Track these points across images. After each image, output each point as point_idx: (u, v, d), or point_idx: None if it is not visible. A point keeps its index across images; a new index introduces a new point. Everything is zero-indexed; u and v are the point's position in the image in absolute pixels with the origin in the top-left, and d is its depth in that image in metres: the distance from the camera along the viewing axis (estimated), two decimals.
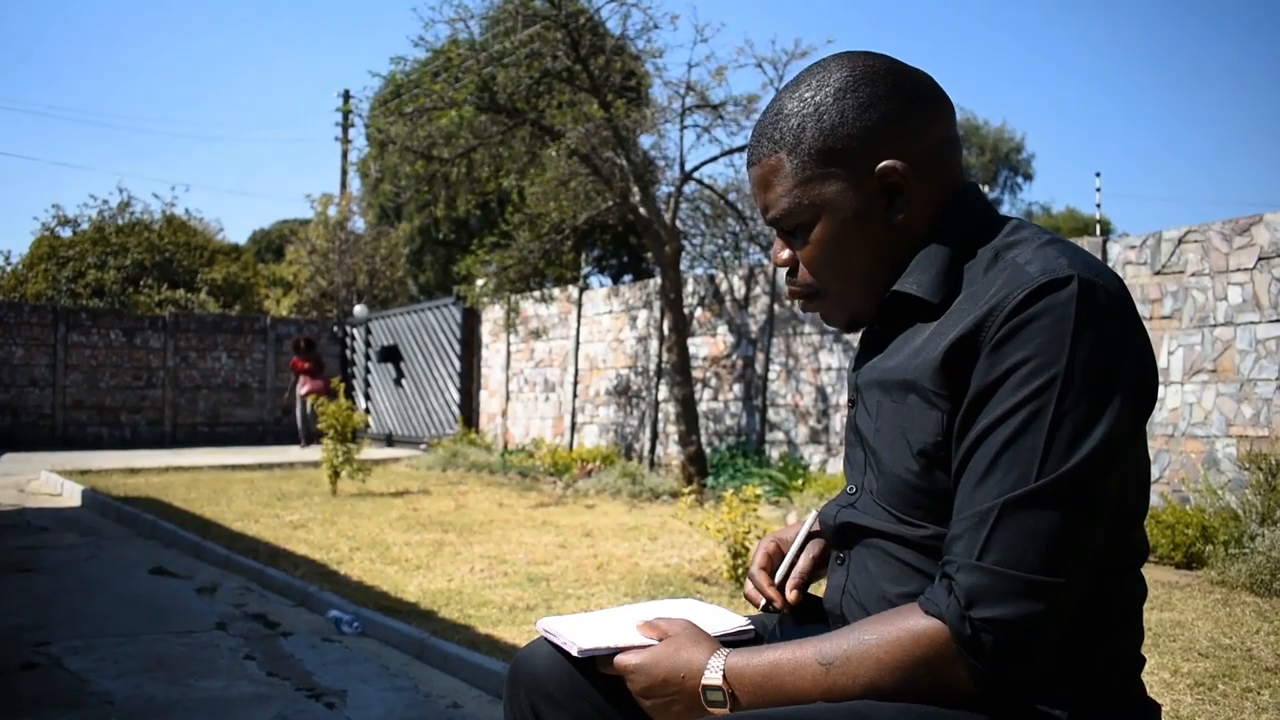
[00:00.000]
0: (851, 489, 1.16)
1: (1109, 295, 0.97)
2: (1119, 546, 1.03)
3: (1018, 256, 1.02)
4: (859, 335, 1.24)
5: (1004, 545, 0.93)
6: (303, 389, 13.63)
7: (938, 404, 1.01)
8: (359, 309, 16.91)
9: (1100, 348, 0.95)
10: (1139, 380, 0.99)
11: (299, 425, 14.05)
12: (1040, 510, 0.93)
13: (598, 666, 1.17)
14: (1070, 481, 0.93)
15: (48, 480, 9.41)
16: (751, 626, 1.24)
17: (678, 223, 9.38)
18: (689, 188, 9.49)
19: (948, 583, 0.95)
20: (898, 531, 1.06)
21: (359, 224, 21.94)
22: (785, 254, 1.18)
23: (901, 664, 0.96)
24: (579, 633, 1.18)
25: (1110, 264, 6.44)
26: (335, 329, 17.13)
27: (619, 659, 1.12)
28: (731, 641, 1.20)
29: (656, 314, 10.45)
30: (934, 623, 0.95)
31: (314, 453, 12.49)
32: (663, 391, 10.36)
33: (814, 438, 8.80)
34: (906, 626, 0.97)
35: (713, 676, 1.04)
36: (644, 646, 1.12)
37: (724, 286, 9.92)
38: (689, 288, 10.11)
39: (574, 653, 1.15)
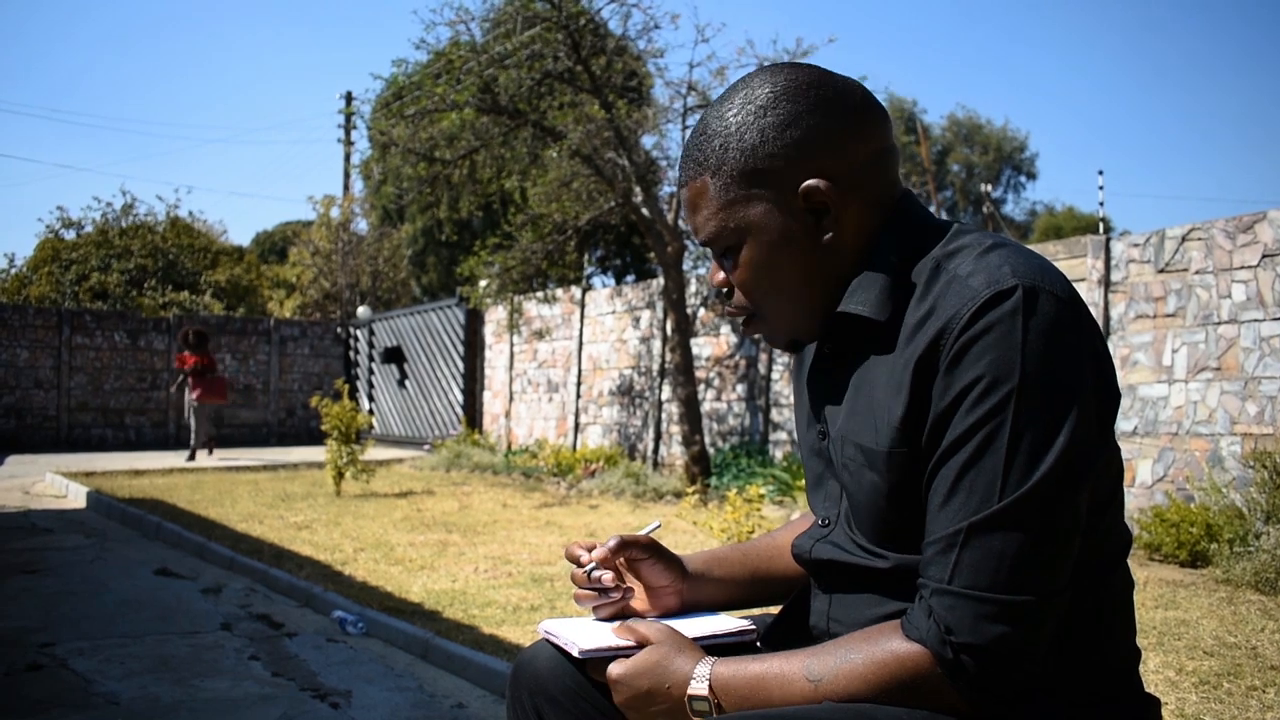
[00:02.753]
0: (824, 520, 1.16)
1: (1056, 300, 0.95)
2: (1100, 543, 1.03)
3: (959, 268, 1.00)
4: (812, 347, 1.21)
5: (973, 569, 0.93)
6: (193, 394, 11.50)
7: (906, 447, 1.01)
8: (362, 310, 16.92)
9: (1052, 356, 0.93)
10: (1097, 381, 0.98)
11: (191, 434, 11.96)
12: (1006, 532, 0.92)
13: (597, 670, 1.16)
14: (1033, 500, 0.92)
15: (52, 482, 9.44)
16: (754, 627, 1.24)
17: (680, 222, 9.38)
18: None
19: (926, 606, 0.95)
20: (870, 564, 1.07)
21: (362, 225, 21.98)
22: (720, 276, 1.16)
23: (888, 685, 0.96)
24: (580, 634, 1.18)
25: (1114, 262, 6.43)
26: (339, 330, 17.16)
27: (608, 670, 1.12)
28: (733, 643, 1.20)
29: (659, 314, 10.45)
30: (917, 648, 0.95)
31: (213, 460, 11.42)
32: (666, 392, 10.36)
33: None
34: (891, 649, 0.97)
35: (699, 686, 1.03)
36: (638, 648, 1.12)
37: None
38: (692, 288, 10.12)
39: (575, 653, 1.15)
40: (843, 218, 1.07)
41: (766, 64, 1.13)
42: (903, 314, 1.03)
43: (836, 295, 1.10)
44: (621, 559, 1.28)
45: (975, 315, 0.94)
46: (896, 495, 1.02)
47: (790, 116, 1.06)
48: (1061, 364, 0.94)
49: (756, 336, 1.22)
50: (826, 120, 1.06)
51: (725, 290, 1.17)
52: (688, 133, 9.35)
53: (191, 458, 11.73)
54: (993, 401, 0.93)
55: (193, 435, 11.93)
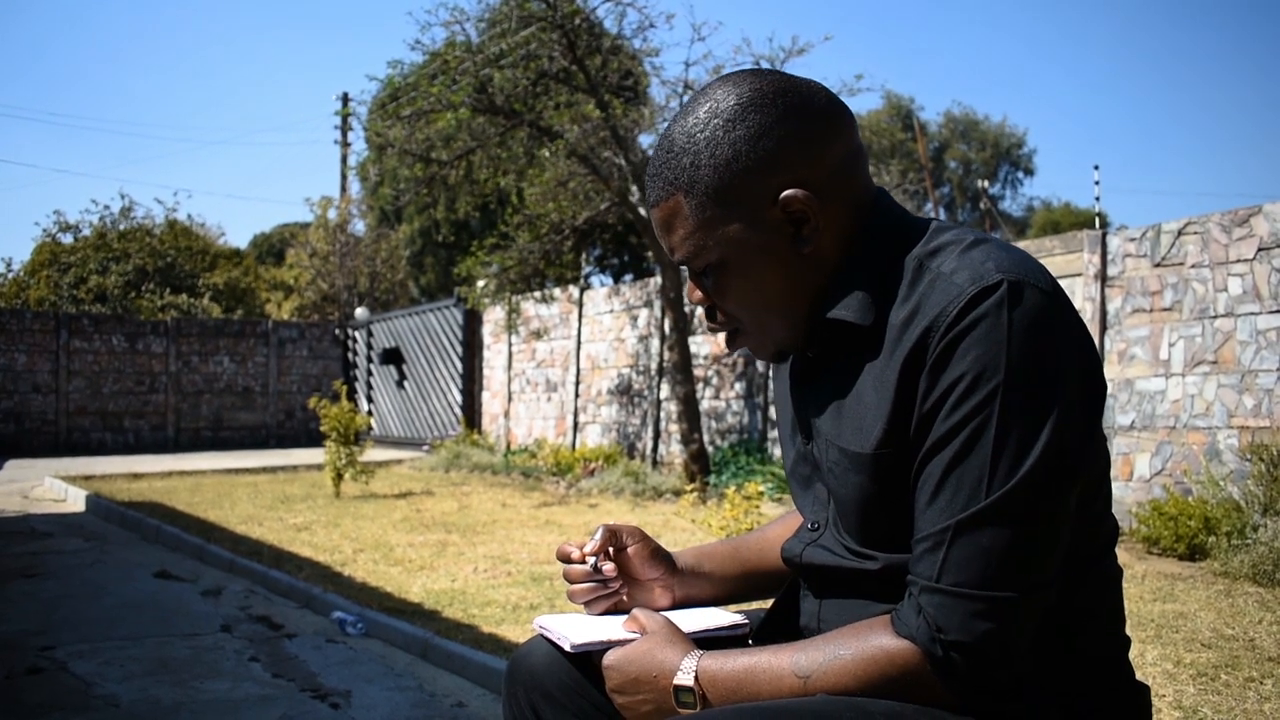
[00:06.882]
0: (813, 524, 1.16)
1: (1040, 293, 0.95)
2: (1087, 534, 1.03)
3: (943, 266, 1.00)
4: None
5: (961, 566, 0.93)
6: None
7: (890, 448, 1.00)
8: (360, 311, 16.93)
9: (1037, 349, 0.93)
10: (1083, 373, 0.98)
11: None
12: (994, 528, 0.92)
13: (593, 663, 1.17)
14: (1019, 495, 0.92)
15: (52, 486, 9.44)
16: (746, 622, 1.24)
17: None
18: None
19: (916, 604, 0.95)
20: (859, 566, 1.07)
21: (359, 227, 21.98)
22: (698, 294, 1.14)
23: (877, 682, 0.96)
24: (574, 629, 1.19)
25: (1110, 257, 6.44)
26: (337, 332, 17.15)
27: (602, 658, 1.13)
28: (725, 637, 1.20)
29: (657, 313, 10.46)
30: (906, 644, 0.95)
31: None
32: (664, 390, 10.37)
33: None
34: (881, 645, 0.97)
35: (685, 678, 1.04)
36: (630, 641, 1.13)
37: None
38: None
39: (567, 648, 1.16)
40: (823, 223, 1.05)
41: (725, 73, 1.11)
42: (886, 315, 1.03)
43: (819, 302, 1.08)
44: (611, 563, 1.28)
45: (962, 312, 0.94)
46: (883, 497, 1.02)
47: (761, 128, 1.04)
48: (1047, 357, 0.94)
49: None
50: (797, 128, 1.04)
51: (707, 307, 1.15)
52: None
53: None
54: (979, 397, 0.93)
55: None
